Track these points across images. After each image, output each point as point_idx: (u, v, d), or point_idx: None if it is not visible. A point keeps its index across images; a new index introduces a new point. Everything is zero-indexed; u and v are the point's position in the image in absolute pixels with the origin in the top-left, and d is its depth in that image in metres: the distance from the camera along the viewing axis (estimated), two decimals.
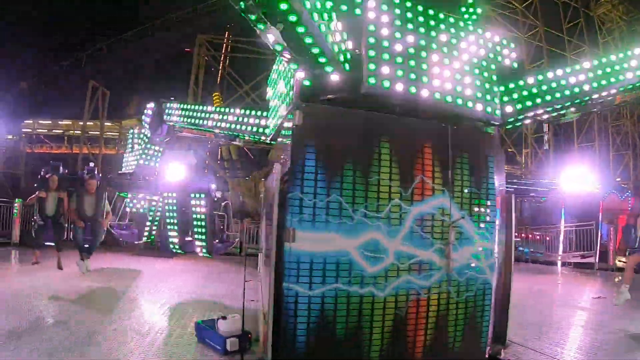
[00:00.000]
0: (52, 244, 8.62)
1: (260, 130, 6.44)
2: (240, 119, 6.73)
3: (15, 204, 12.43)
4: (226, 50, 26.75)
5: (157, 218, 9.24)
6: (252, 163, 27.29)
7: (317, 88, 4.22)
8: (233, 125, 6.81)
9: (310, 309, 3.93)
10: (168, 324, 5.82)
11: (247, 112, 6.72)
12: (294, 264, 3.88)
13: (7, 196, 14.48)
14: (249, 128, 6.61)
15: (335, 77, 4.20)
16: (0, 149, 25.61)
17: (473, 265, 4.62)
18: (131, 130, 10.06)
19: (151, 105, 8.56)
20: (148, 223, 9.19)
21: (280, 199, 4.01)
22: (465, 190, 4.65)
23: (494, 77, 4.91)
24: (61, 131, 39.62)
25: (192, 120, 7.49)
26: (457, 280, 4.52)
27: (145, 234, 9.31)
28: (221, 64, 26.65)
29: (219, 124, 7.01)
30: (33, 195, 8.60)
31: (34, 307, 6.05)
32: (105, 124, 27.27)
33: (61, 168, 9.34)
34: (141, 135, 9.15)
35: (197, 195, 7.78)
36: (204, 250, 7.87)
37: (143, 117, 8.78)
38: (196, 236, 7.89)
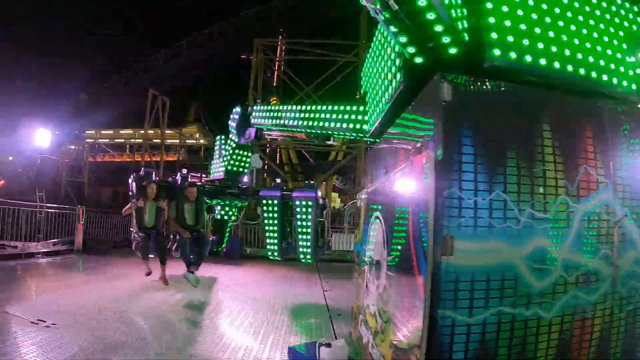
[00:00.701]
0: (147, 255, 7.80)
1: (358, 126, 5.62)
2: (335, 116, 5.95)
3: (79, 211, 12.06)
4: (282, 53, 26.31)
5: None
6: (312, 167, 26.63)
7: (431, 64, 3.23)
8: (327, 124, 6.06)
9: (468, 341, 2.80)
10: (259, 345, 4.84)
11: (342, 107, 5.92)
12: (451, 284, 2.73)
13: (72, 203, 14.28)
14: (345, 125, 5.81)
15: (452, 50, 3.14)
16: (64, 159, 26.15)
17: (637, 273, 3.41)
18: (218, 137, 9.73)
19: (237, 109, 8.29)
20: (227, 230, 8.84)
21: (422, 198, 2.92)
22: (629, 183, 3.44)
23: None
24: (122, 140, 40.71)
25: (282, 121, 6.90)
26: (620, 292, 3.34)
27: (225, 240, 8.91)
28: (276, 67, 26.21)
29: (310, 122, 6.32)
30: (130, 205, 7.76)
31: (121, 320, 5.33)
32: (166, 131, 27.29)
33: (154, 175, 8.45)
34: (229, 141, 8.83)
35: (304, 203, 7.61)
36: (308, 257, 7.79)
37: (229, 122, 8.48)
38: (301, 242, 7.75)
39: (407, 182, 3.24)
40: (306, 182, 9.94)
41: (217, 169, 9.21)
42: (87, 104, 25.43)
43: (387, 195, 3.75)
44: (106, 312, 5.64)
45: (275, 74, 32.66)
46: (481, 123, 2.95)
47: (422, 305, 2.77)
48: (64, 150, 26.07)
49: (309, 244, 7.71)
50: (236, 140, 8.49)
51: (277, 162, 26.04)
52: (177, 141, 33.80)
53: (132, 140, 38.76)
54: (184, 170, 8.78)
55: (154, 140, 28.81)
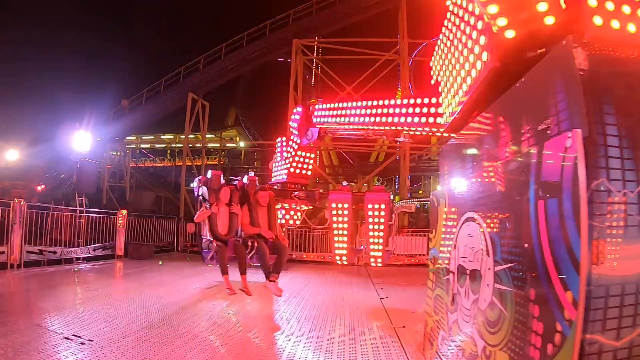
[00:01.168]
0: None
1: (432, 120, 5.04)
2: (406, 110, 5.42)
3: (120, 216, 11.79)
4: (319, 53, 25.91)
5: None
6: (353, 169, 26.06)
7: (524, 40, 2.66)
8: (397, 119, 5.56)
9: None
10: None
11: (414, 100, 5.37)
12: (600, 300, 2.00)
13: (114, 208, 14.14)
14: (417, 119, 5.26)
15: (549, 20, 2.48)
16: (106, 164, 26.51)
17: None
18: (278, 139, 9.32)
19: (298, 109, 8.00)
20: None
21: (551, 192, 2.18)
22: None
23: None
24: (163, 145, 41.29)
25: (347, 119, 6.53)
26: None
27: None
28: (314, 67, 25.77)
29: (379, 119, 5.87)
30: (203, 211, 7.12)
31: (174, 336, 4.60)
32: (206, 135, 27.25)
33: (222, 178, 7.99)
34: (290, 142, 8.47)
35: (377, 205, 7.37)
36: (379, 261, 7.56)
37: (290, 122, 8.17)
38: (372, 247, 7.52)
39: (527, 174, 2.45)
40: (345, 183, 9.41)
41: (279, 172, 8.83)
42: (128, 110, 25.61)
43: (488, 192, 2.98)
44: (155, 327, 4.97)
45: (314, 74, 32.32)
46: (622, 99, 2.20)
47: (566, 328, 2.02)
48: (106, 157, 26.39)
49: (380, 247, 7.48)
50: (298, 141, 8.14)
51: (318, 163, 25.52)
52: (218, 145, 33.83)
53: (173, 145, 39.31)
54: (251, 173, 8.34)
55: (195, 145, 28.88)
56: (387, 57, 23.29)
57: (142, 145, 40.06)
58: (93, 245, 10.63)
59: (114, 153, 28.26)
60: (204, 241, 7.24)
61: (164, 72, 26.06)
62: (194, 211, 24.63)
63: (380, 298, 7.52)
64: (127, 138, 30.58)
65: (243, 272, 6.85)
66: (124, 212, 12.12)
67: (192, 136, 28.07)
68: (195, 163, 26.84)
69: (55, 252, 9.38)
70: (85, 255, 10.23)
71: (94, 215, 11.16)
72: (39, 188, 19.56)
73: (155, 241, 13.69)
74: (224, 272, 6.84)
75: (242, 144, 39.83)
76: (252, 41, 24.57)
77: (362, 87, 22.38)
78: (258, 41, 24.45)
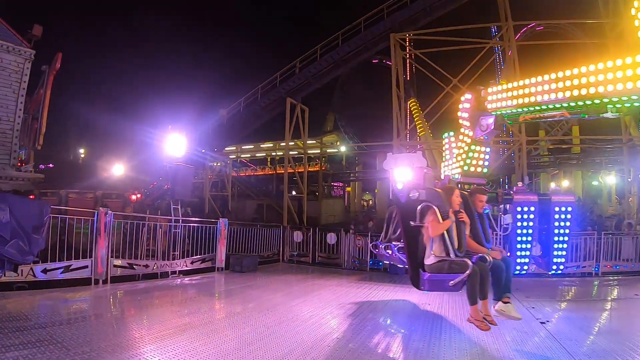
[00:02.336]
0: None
1: None
2: (614, 75, 4.52)
3: (220, 224, 10.92)
4: (416, 47, 24.42)
5: None
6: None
7: None
8: (602, 88, 4.66)
9: None
10: None
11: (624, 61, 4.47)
12: None
13: (217, 217, 13.39)
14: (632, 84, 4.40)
15: None
16: (208, 175, 26.87)
17: None
18: (445, 134, 8.28)
19: (467, 95, 6.88)
20: None
21: None
22: None
23: None
24: (263, 154, 41.72)
25: (532, 99, 5.61)
26: None
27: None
28: (410, 60, 24.11)
29: (577, 92, 4.96)
30: (449, 220, 5.11)
31: None
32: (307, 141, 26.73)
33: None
34: (461, 137, 7.29)
35: (564, 208, 6.71)
36: (561, 267, 7.02)
37: (459, 113, 7.06)
38: (557, 252, 6.83)
39: None
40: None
41: (451, 171, 7.76)
42: (227, 119, 25.75)
43: None
44: None
45: (410, 68, 30.64)
46: None
47: None
48: (207, 167, 26.71)
49: (565, 253, 6.90)
50: (470, 133, 6.94)
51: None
52: (318, 151, 33.27)
53: (273, 153, 39.48)
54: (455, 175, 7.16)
55: (297, 152, 28.47)
56: (492, 44, 21.34)
57: (242, 155, 40.76)
58: (191, 258, 9.86)
59: (215, 164, 28.64)
60: (432, 261, 5.16)
61: (261, 79, 25.94)
62: (297, 220, 23.93)
63: (540, 321, 6.01)
64: (226, 148, 31.00)
65: (484, 297, 5.01)
66: (225, 220, 11.24)
67: (292, 143, 27.63)
68: (298, 170, 26.30)
69: (147, 266, 8.64)
70: (183, 269, 9.47)
71: (193, 224, 10.45)
72: (133, 197, 19.44)
73: (259, 251, 12.74)
74: (477, 299, 4.94)
75: (343, 148, 38.87)
76: (347, 40, 23.48)
77: (466, 78, 20.77)
78: (353, 39, 23.35)
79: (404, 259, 6.26)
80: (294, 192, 29.82)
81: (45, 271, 6.92)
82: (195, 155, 20.17)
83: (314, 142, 32.55)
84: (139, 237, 8.76)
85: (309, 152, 29.55)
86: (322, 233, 13.29)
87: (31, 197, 12.15)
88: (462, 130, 7.20)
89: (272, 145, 39.30)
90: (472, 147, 7.03)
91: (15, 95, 12.56)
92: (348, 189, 44.30)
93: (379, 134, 31.13)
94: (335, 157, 40.75)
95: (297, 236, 13.54)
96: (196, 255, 9.96)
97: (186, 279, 9.14)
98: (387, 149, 20.22)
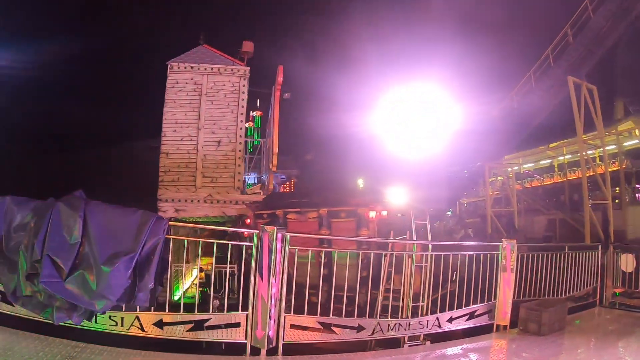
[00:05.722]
0: None
1: None
2: None
3: (505, 247, 6.77)
4: None
5: None
6: None
7: None
8: None
9: None
10: None
11: None
12: None
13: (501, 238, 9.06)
14: None
15: None
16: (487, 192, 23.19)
17: None
18: None
19: None
20: None
21: None
22: None
23: None
24: (549, 160, 35.16)
25: None
26: None
27: None
28: None
29: None
30: None
31: None
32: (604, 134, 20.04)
33: None
34: None
35: None
36: None
37: None
38: None
39: None
40: None
41: None
42: (499, 120, 21.54)
43: None
44: None
45: None
46: None
47: None
48: (487, 182, 24.46)
49: None
50: None
51: None
52: (614, 146, 25.47)
53: (561, 157, 32.51)
54: None
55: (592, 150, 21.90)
56: None
57: (524, 165, 35.20)
58: (451, 312, 6.00)
59: (497, 178, 25.54)
60: None
61: (525, 64, 21.03)
62: (602, 235, 17.07)
63: None
64: (506, 157, 26.55)
65: None
66: (512, 242, 7.06)
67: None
68: (599, 171, 19.86)
69: (361, 328, 5.23)
70: (432, 331, 5.71)
71: (467, 252, 6.61)
72: (372, 214, 14.81)
73: (565, 290, 7.91)
74: None
75: None
76: None
77: None
78: None
79: None
80: (590, 201, 23.00)
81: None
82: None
83: (608, 133, 24.48)
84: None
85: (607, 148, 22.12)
86: None
87: (247, 221, 11.03)
88: None
89: (555, 145, 32.27)
90: None
91: (234, 115, 12.19)
92: None
93: None
94: (634, 152, 30.89)
95: (627, 262, 8.27)
96: (462, 304, 6.09)
97: (438, 351, 5.36)
98: None
